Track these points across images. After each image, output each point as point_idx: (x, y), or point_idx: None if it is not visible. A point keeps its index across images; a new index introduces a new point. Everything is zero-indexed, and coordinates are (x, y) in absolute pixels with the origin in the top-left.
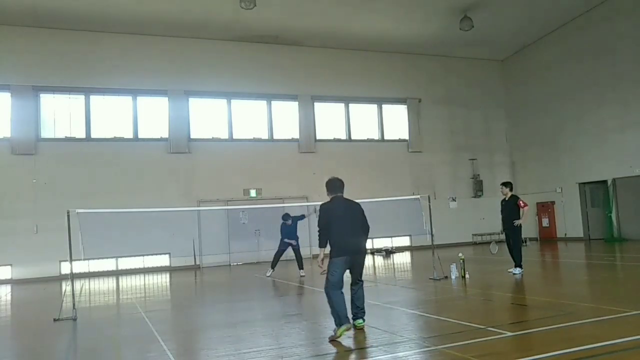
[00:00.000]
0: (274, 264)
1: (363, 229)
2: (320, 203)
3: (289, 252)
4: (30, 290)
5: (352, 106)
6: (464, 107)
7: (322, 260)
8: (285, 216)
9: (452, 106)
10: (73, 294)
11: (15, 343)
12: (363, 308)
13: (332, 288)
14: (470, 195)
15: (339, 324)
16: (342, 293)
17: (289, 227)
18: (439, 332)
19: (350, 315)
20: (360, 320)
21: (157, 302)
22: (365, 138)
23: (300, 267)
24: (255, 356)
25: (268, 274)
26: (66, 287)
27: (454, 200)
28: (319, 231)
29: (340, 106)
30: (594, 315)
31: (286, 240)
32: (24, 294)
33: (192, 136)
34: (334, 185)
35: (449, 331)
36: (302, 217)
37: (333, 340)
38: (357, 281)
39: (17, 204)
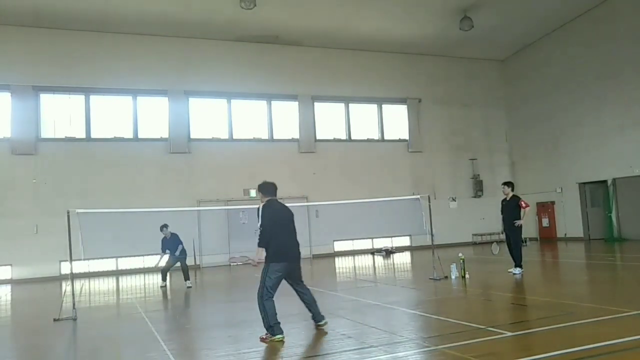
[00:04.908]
0: (164, 276)
1: (295, 236)
2: (317, 203)
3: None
4: (30, 290)
5: (352, 106)
6: (464, 107)
7: (258, 259)
8: (164, 227)
9: (452, 106)
10: (73, 294)
11: (15, 343)
12: (319, 311)
13: (267, 296)
14: (470, 195)
15: (272, 333)
16: (273, 301)
17: (168, 240)
18: (439, 332)
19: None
20: (323, 322)
21: (157, 302)
22: (365, 138)
23: (187, 277)
24: (255, 356)
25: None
26: (66, 287)
27: (454, 200)
28: (261, 232)
29: (340, 106)
30: (594, 315)
31: (168, 251)
32: (24, 294)
33: (192, 136)
34: (270, 188)
35: (449, 331)
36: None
37: (263, 340)
38: (299, 282)
39: (17, 204)
